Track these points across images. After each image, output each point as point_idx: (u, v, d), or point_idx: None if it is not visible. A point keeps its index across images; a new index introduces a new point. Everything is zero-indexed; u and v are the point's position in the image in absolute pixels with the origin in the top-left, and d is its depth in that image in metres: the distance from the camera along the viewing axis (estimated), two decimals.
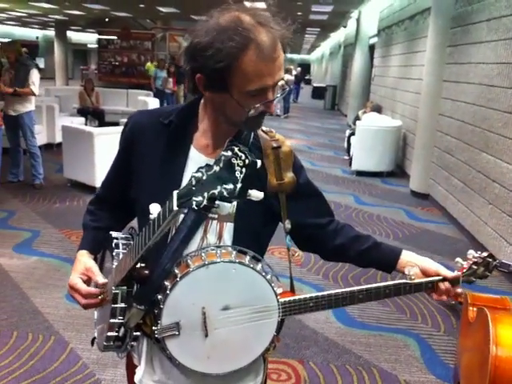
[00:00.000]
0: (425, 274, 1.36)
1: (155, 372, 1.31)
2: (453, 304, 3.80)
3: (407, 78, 8.97)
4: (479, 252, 1.48)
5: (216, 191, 0.87)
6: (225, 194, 0.86)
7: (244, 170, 0.86)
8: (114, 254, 1.26)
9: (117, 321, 1.22)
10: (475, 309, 2.83)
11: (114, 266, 1.25)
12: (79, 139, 6.47)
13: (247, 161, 0.86)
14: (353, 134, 9.31)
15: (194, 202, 0.88)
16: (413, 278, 1.35)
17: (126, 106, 12.00)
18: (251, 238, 1.27)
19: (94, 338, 1.43)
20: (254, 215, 1.26)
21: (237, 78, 1.11)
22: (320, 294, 1.30)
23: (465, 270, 1.43)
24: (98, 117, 10.83)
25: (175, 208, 0.92)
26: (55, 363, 2.98)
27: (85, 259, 1.35)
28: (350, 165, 8.73)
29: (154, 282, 1.20)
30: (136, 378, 1.32)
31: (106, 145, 6.33)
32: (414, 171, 7.47)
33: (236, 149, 0.87)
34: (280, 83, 1.19)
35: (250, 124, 1.22)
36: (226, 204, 0.91)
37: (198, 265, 1.17)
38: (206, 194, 0.88)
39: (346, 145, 9.89)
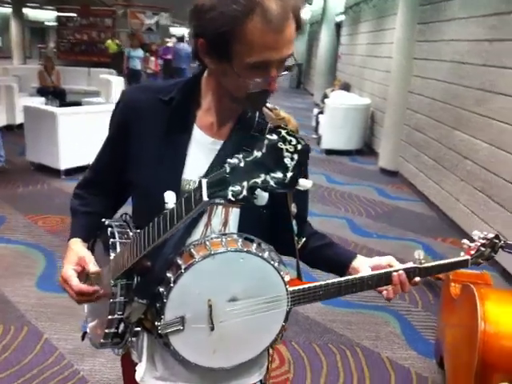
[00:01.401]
0: (377, 268, 1.30)
1: (157, 368, 1.23)
2: (431, 280, 3.84)
3: (376, 56, 8.96)
4: (485, 233, 1.45)
5: (259, 180, 0.77)
6: (271, 183, 0.76)
7: (296, 156, 0.76)
8: (110, 243, 1.15)
9: (116, 316, 1.13)
10: (458, 285, 2.87)
11: (111, 257, 1.15)
12: (42, 120, 6.20)
13: (299, 146, 0.76)
14: (321, 112, 9.27)
15: (231, 193, 0.78)
16: (423, 261, 1.31)
17: (87, 85, 11.59)
18: (257, 222, 1.19)
19: (85, 332, 1.33)
20: None
21: (239, 46, 1.02)
22: (330, 281, 1.24)
23: (473, 252, 1.40)
24: (58, 96, 10.43)
25: (205, 199, 0.82)
26: (30, 355, 2.86)
27: (78, 248, 1.24)
28: (319, 144, 8.71)
29: (156, 273, 1.12)
30: (137, 376, 1.23)
31: (70, 125, 6.10)
32: (383, 149, 7.50)
33: (283, 132, 0.77)
34: (288, 62, 1.09)
35: (251, 102, 1.12)
36: (264, 194, 0.81)
37: (204, 255, 1.09)
38: (245, 183, 0.77)
39: (314, 123, 9.85)
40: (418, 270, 1.31)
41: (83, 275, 1.20)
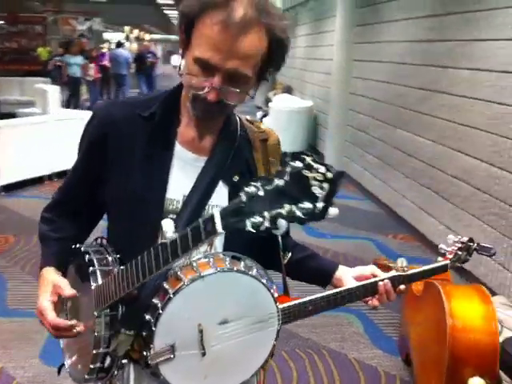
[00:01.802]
0: (361, 279, 1.29)
1: None
2: None
3: (316, 58, 9.09)
4: (459, 236, 1.47)
5: (283, 210, 0.72)
6: (298, 213, 0.71)
7: (326, 185, 0.71)
8: (89, 271, 1.07)
9: (101, 350, 1.05)
10: (420, 282, 2.92)
11: (92, 287, 1.06)
12: None
13: (329, 174, 0.71)
14: (265, 115, 9.31)
15: (249, 223, 0.73)
16: (406, 269, 1.32)
17: (20, 95, 11.06)
18: (243, 241, 1.14)
19: (62, 365, 1.23)
20: None
21: (195, 35, 1.00)
22: (319, 295, 1.22)
23: (451, 256, 1.42)
24: None
25: (220, 231, 0.77)
26: None
27: (51, 276, 1.15)
28: None
29: (142, 301, 1.04)
30: None
31: (7, 138, 5.78)
32: (327, 150, 7.61)
33: (308, 159, 0.72)
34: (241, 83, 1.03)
35: (198, 106, 1.05)
36: (283, 223, 0.76)
37: (193, 277, 1.02)
38: (266, 214, 0.72)
39: None
40: (401, 278, 1.31)
41: (59, 304, 1.11)
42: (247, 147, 1.18)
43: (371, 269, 1.32)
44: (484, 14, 4.01)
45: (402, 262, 1.35)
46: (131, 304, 1.04)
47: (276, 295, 1.14)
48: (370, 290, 1.27)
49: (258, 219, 0.73)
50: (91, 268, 1.07)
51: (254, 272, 1.10)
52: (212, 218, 0.78)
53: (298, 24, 10.72)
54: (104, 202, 1.17)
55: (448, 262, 1.40)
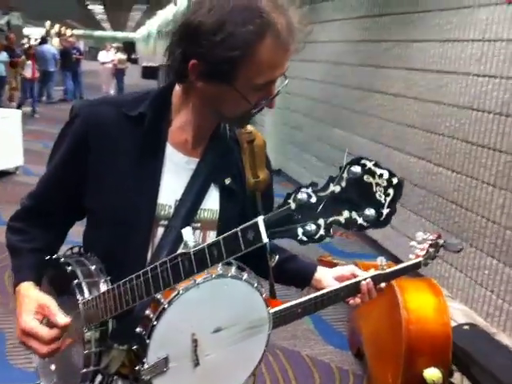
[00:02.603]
0: (341, 279, 1.31)
1: None
2: None
3: None
4: (427, 233, 1.50)
5: (341, 218, 0.69)
6: (360, 221, 0.68)
7: (392, 190, 0.69)
8: (74, 284, 0.98)
9: (92, 368, 0.97)
10: None
11: (79, 301, 0.98)
12: None
13: (395, 179, 0.69)
14: None
15: (301, 232, 0.70)
16: (385, 267, 1.33)
17: None
18: None
19: None
20: (234, 220, 1.10)
21: (247, 68, 0.93)
22: (307, 297, 1.22)
23: (423, 253, 1.44)
24: None
25: (265, 240, 0.72)
26: None
27: (34, 294, 1.05)
28: None
29: (134, 314, 0.98)
30: None
31: None
32: None
33: (369, 164, 0.70)
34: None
35: (243, 121, 1.06)
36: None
37: (187, 286, 0.97)
38: (321, 222, 0.69)
39: None
40: (381, 276, 1.33)
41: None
42: (236, 149, 1.14)
43: (350, 268, 1.33)
44: (419, 16, 4.17)
45: (381, 260, 1.36)
46: (123, 317, 0.97)
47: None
48: (353, 289, 1.28)
49: (312, 227, 0.70)
50: (76, 281, 0.99)
51: (246, 277, 1.06)
52: (255, 226, 0.73)
53: None
54: (83, 209, 1.09)
55: (421, 259, 1.43)
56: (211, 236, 1.10)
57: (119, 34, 46.27)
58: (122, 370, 1.03)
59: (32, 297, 1.04)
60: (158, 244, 1.04)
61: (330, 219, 0.70)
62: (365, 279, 1.28)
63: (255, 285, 1.07)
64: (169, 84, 1.08)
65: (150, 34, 33.04)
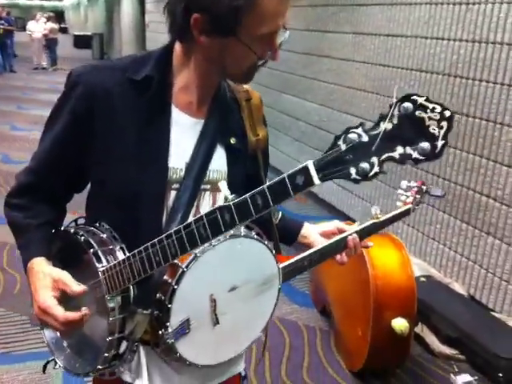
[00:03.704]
0: (327, 234, 1.35)
1: (154, 382, 1.10)
2: None
3: None
4: (412, 181, 1.56)
5: (394, 153, 0.70)
6: (414, 155, 0.69)
7: (445, 123, 0.69)
8: (91, 253, 0.97)
9: (117, 336, 0.98)
10: None
11: (99, 269, 0.97)
12: None
13: (447, 112, 0.69)
14: None
15: (354, 171, 0.71)
16: (379, 216, 1.38)
17: None
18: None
19: (48, 362, 1.12)
20: (241, 181, 1.12)
21: (251, 18, 0.92)
22: (311, 250, 1.27)
23: (412, 199, 1.50)
24: None
25: (317, 182, 0.73)
26: None
27: (48, 269, 1.02)
28: None
29: (155, 278, 0.98)
30: None
31: None
32: None
33: (420, 99, 0.69)
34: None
35: (248, 76, 1.04)
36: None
37: (204, 248, 0.98)
38: (375, 159, 0.70)
39: None
40: (376, 225, 1.38)
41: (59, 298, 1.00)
42: (236, 108, 1.15)
43: (335, 223, 1.37)
44: None
45: (375, 209, 1.40)
46: (143, 283, 0.97)
47: None
48: (343, 244, 1.32)
49: (365, 166, 0.72)
50: (92, 249, 0.98)
51: (255, 234, 1.09)
52: (304, 170, 0.74)
53: None
54: (85, 181, 1.07)
55: (410, 205, 1.49)
56: (222, 197, 1.10)
57: (46, 3, 43.69)
58: (144, 336, 1.04)
59: (46, 272, 1.02)
60: (172, 207, 1.03)
61: (384, 156, 0.72)
62: (351, 234, 1.32)
63: (265, 242, 1.09)
64: (169, 44, 1.06)
65: (80, 1, 31.42)
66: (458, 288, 3.22)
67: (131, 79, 1.01)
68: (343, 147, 0.74)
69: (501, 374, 2.52)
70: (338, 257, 1.35)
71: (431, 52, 3.53)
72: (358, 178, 0.73)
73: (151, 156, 1.02)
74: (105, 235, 1.02)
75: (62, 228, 1.08)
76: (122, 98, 1.01)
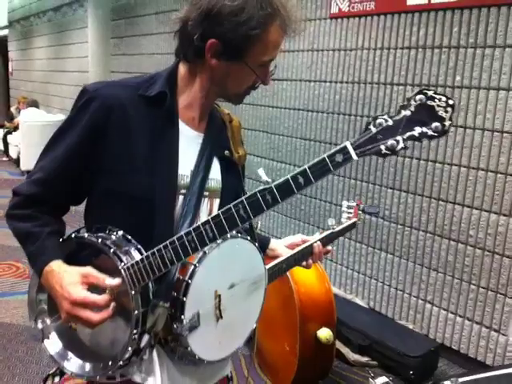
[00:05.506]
0: (292, 247, 1.50)
1: (162, 382, 1.13)
2: None
3: (63, 71, 8.72)
4: (351, 200, 1.81)
5: (415, 132, 0.88)
6: (429, 133, 0.87)
7: (450, 109, 0.88)
8: (111, 253, 1.03)
9: (140, 330, 1.02)
10: None
11: (120, 267, 1.02)
12: None
13: (451, 101, 0.88)
14: (9, 132, 8.54)
15: (384, 147, 0.88)
16: (335, 227, 1.58)
17: None
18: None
19: (48, 375, 1.11)
20: (233, 188, 1.25)
21: (259, 46, 1.09)
22: (288, 255, 1.41)
23: (355, 215, 1.74)
24: None
25: (355, 158, 0.89)
26: None
27: (72, 268, 1.05)
28: (18, 166, 8.00)
29: (170, 273, 1.06)
30: None
31: None
32: None
33: (430, 92, 0.88)
34: None
35: (243, 97, 1.20)
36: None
37: (211, 246, 1.08)
38: (399, 137, 0.88)
39: (1, 146, 8.94)
40: (333, 234, 1.58)
41: None
42: (223, 126, 1.28)
43: (299, 236, 1.54)
44: None
45: (331, 221, 1.61)
46: (160, 277, 1.04)
47: None
48: (310, 251, 1.49)
49: (392, 142, 0.89)
50: (112, 249, 1.03)
51: (246, 236, 1.21)
52: (343, 149, 0.90)
53: (33, 35, 10.08)
54: (92, 188, 1.12)
55: (355, 219, 1.73)
56: (217, 203, 1.22)
57: None
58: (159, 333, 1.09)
59: (71, 271, 1.04)
60: (182, 210, 1.13)
61: (407, 134, 0.90)
62: (316, 242, 1.49)
63: (256, 244, 1.22)
64: (174, 66, 1.18)
65: None
66: (360, 302, 3.54)
67: (143, 96, 1.12)
68: (373, 130, 0.91)
69: (412, 372, 2.82)
70: (304, 263, 1.50)
71: (316, 93, 3.94)
72: (388, 152, 0.91)
73: (163, 163, 1.11)
74: (117, 238, 1.07)
75: (73, 235, 1.12)
76: (135, 110, 1.10)
